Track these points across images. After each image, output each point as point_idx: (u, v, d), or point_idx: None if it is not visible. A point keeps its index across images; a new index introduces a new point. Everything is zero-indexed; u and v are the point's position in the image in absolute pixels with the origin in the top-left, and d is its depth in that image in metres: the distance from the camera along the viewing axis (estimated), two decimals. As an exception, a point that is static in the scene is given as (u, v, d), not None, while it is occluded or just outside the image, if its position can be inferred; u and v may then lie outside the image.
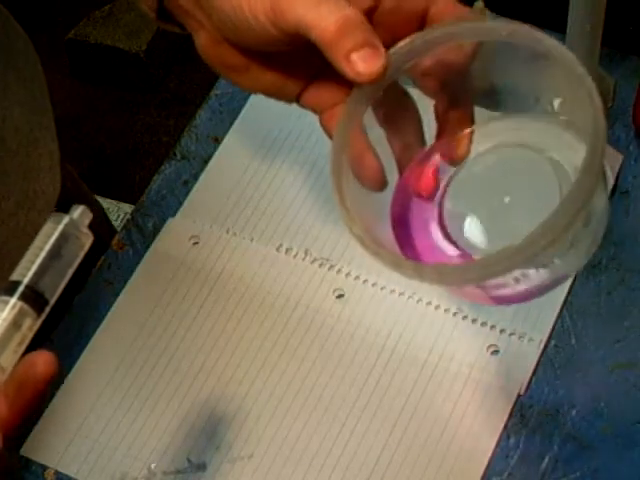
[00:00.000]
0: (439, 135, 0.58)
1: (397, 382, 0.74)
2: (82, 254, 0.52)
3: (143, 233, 0.83)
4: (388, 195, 0.57)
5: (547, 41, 0.52)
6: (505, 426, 0.72)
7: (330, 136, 0.56)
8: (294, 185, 0.84)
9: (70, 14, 2.09)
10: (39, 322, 0.52)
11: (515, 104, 0.56)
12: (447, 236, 0.56)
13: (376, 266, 0.80)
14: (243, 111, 0.88)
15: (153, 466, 0.73)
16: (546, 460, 0.71)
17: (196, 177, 0.85)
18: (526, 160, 0.55)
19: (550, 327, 0.75)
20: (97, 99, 2.06)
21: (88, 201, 1.01)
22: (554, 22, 0.84)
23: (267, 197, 0.84)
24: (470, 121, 0.57)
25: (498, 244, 0.51)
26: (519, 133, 0.57)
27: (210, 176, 0.85)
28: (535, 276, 0.54)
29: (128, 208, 1.79)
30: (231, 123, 0.88)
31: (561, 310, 0.76)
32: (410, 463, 0.72)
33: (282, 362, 0.76)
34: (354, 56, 0.52)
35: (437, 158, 0.58)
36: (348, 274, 0.79)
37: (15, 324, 0.51)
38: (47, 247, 0.51)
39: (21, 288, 0.51)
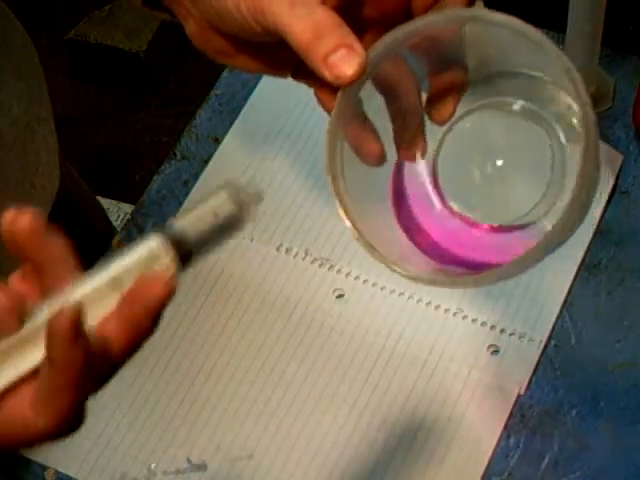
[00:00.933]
0: (430, 96, 0.57)
1: (397, 382, 0.74)
2: (241, 230, 0.50)
3: (143, 233, 0.83)
4: (388, 170, 0.57)
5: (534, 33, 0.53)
6: (505, 426, 0.72)
7: (324, 107, 0.56)
8: (294, 185, 0.84)
9: (70, 14, 2.08)
10: (176, 268, 0.49)
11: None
12: (442, 198, 0.57)
13: (376, 266, 0.80)
14: (243, 111, 0.88)
15: (153, 466, 0.73)
16: (546, 460, 0.71)
17: (196, 177, 0.85)
18: (517, 120, 0.56)
19: (550, 327, 0.75)
20: (97, 99, 2.06)
21: (88, 200, 1.01)
22: (554, 22, 0.84)
23: (267, 197, 0.83)
24: (462, 85, 0.57)
25: (493, 205, 0.53)
26: (507, 96, 0.57)
27: (210, 176, 0.85)
28: None
29: (128, 208, 1.79)
30: (231, 123, 0.88)
31: (561, 310, 0.76)
32: (410, 463, 0.72)
33: (282, 362, 0.76)
34: (331, 59, 0.51)
35: (426, 119, 0.58)
36: (348, 274, 0.79)
37: (152, 257, 0.49)
38: (215, 215, 0.49)
39: (172, 230, 0.49)
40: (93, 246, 0.88)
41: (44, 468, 0.74)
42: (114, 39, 2.03)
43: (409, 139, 0.57)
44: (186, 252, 0.49)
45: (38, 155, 0.76)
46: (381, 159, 0.56)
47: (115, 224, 1.53)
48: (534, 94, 0.56)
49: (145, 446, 0.74)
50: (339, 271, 0.79)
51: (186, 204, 0.84)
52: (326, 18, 0.51)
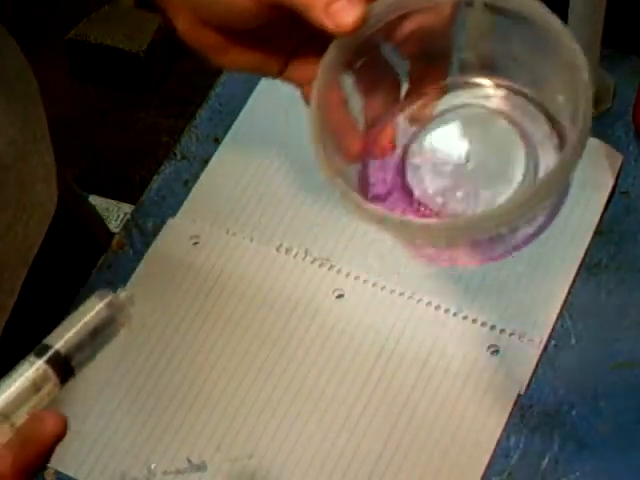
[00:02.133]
0: (409, 93, 0.58)
1: (397, 382, 0.74)
2: (116, 335, 0.53)
3: (143, 233, 0.83)
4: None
5: (546, 17, 0.53)
6: (505, 426, 0.72)
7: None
8: (294, 185, 0.84)
9: (70, 14, 2.08)
10: (58, 390, 0.52)
11: (493, 71, 0.57)
12: (409, 194, 0.56)
13: (376, 266, 0.80)
14: (243, 111, 0.88)
15: (153, 466, 0.73)
16: (546, 460, 0.71)
17: (196, 177, 0.85)
18: (494, 126, 0.56)
19: (550, 327, 0.75)
20: (97, 99, 2.06)
21: (81, 203, 1.01)
22: (554, 22, 0.84)
23: (267, 197, 0.84)
24: (443, 81, 0.57)
25: (460, 203, 0.53)
26: (488, 99, 0.57)
27: (210, 176, 0.85)
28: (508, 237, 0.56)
29: (128, 208, 1.79)
30: (231, 123, 0.88)
31: (561, 310, 0.76)
32: (410, 463, 0.72)
33: (282, 362, 0.76)
34: (332, 8, 0.52)
35: (400, 118, 0.58)
36: (348, 274, 0.79)
37: (35, 386, 0.51)
38: (86, 320, 0.53)
39: (51, 352, 0.52)
40: (91, 247, 0.88)
41: (44, 468, 0.74)
42: (114, 39, 2.03)
43: (381, 135, 0.57)
44: (68, 369, 0.52)
45: (36, 173, 0.76)
46: (358, 158, 0.56)
47: (115, 224, 1.54)
48: (527, 86, 0.56)
49: (145, 446, 0.74)
50: (339, 271, 0.79)
51: (186, 204, 0.84)
52: None
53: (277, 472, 0.72)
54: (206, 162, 0.86)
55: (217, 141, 0.87)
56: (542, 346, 0.75)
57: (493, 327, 0.76)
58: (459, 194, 0.55)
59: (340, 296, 0.78)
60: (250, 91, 0.88)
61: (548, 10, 0.52)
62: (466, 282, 0.77)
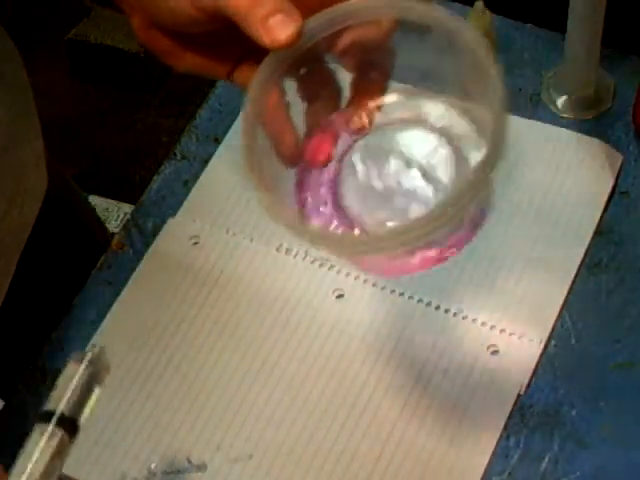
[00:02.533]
0: (348, 105, 0.58)
1: (397, 382, 0.74)
2: (101, 386, 0.57)
3: (143, 233, 0.83)
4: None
5: (463, 33, 0.53)
6: (505, 426, 0.72)
7: None
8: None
9: (70, 14, 2.08)
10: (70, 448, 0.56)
11: (429, 85, 0.58)
12: (337, 204, 0.57)
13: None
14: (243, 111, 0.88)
15: (153, 466, 0.73)
16: (546, 460, 0.71)
17: (196, 177, 0.85)
18: (423, 140, 0.57)
19: (550, 327, 0.75)
20: (97, 99, 2.06)
21: (79, 200, 1.01)
22: (554, 22, 0.84)
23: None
24: (382, 94, 0.58)
25: (389, 215, 0.55)
26: (423, 112, 0.58)
27: (210, 176, 0.85)
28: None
29: (128, 208, 1.79)
30: (231, 123, 0.88)
31: (561, 310, 0.76)
32: (410, 463, 0.72)
33: (282, 362, 0.76)
34: (269, 22, 0.53)
35: (338, 128, 0.58)
36: (348, 274, 0.79)
37: (53, 450, 0.55)
38: (75, 382, 0.56)
39: (57, 415, 0.56)
40: (91, 246, 0.88)
41: None
42: (114, 39, 2.03)
43: (320, 144, 0.58)
44: (74, 426, 0.57)
45: (28, 159, 0.76)
46: (296, 162, 0.57)
47: (115, 224, 1.54)
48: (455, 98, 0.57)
49: (145, 446, 0.74)
50: (339, 271, 0.79)
51: (186, 204, 0.84)
52: None
53: (277, 472, 0.72)
54: (206, 162, 0.86)
55: (217, 141, 0.87)
56: (542, 346, 0.75)
57: (493, 327, 0.76)
58: (388, 209, 0.56)
59: (340, 296, 0.78)
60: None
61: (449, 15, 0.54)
62: (466, 282, 0.78)
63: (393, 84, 0.58)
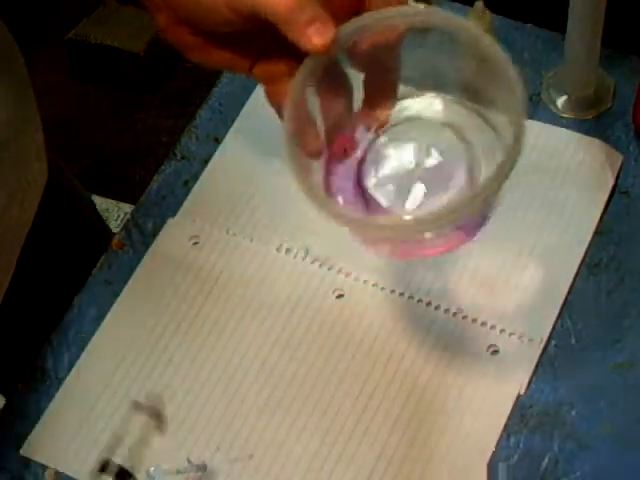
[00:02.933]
0: (364, 104, 0.63)
1: (397, 382, 0.74)
2: None
3: (143, 233, 0.83)
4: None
5: (481, 40, 0.58)
6: (505, 426, 0.72)
7: (272, 103, 0.63)
8: (294, 185, 0.84)
9: (70, 14, 2.08)
10: None
11: (442, 86, 0.64)
12: (364, 196, 0.62)
13: (376, 266, 0.80)
14: (243, 111, 0.88)
15: (153, 466, 0.73)
16: (546, 460, 0.71)
17: (196, 177, 0.85)
18: (441, 137, 0.63)
19: (550, 327, 0.76)
20: (97, 99, 2.06)
21: (80, 198, 1.01)
22: (554, 22, 0.84)
23: (267, 197, 0.84)
24: (395, 93, 0.63)
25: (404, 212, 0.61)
26: (439, 111, 0.64)
27: (210, 176, 0.85)
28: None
29: (128, 208, 1.79)
30: (231, 123, 0.88)
31: (561, 310, 0.76)
32: (410, 463, 0.72)
33: (282, 362, 0.76)
34: (309, 30, 0.57)
35: (358, 124, 0.63)
36: (348, 274, 0.79)
37: None
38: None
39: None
40: (92, 246, 0.88)
41: (44, 468, 0.74)
42: (114, 39, 2.03)
43: (340, 140, 0.63)
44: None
45: (29, 152, 0.77)
46: (319, 154, 0.62)
47: (115, 224, 1.54)
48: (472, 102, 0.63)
49: (145, 447, 0.74)
50: (339, 271, 0.79)
51: (186, 204, 0.84)
52: None
53: (277, 472, 0.72)
54: (206, 162, 0.86)
55: (217, 141, 0.87)
56: (542, 346, 0.75)
57: (493, 327, 0.76)
58: (409, 197, 0.62)
59: (340, 296, 0.78)
60: (250, 91, 0.88)
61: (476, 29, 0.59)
62: (466, 282, 0.78)
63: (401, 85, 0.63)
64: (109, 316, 0.80)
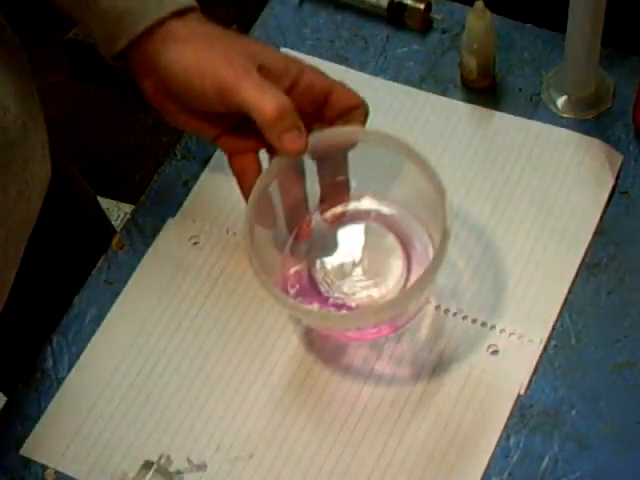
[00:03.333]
0: (321, 200, 0.75)
1: (397, 382, 0.74)
2: None
3: (143, 233, 0.83)
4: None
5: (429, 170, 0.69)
6: (505, 426, 0.72)
7: (234, 172, 0.73)
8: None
9: (70, 14, 2.08)
10: None
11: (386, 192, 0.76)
12: (313, 282, 0.74)
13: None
14: (243, 111, 0.88)
15: (153, 467, 0.73)
16: (546, 460, 0.71)
17: (196, 177, 0.85)
18: (381, 235, 0.75)
19: (550, 327, 0.76)
20: (97, 99, 2.06)
21: (85, 196, 1.01)
22: (554, 22, 0.84)
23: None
24: (346, 193, 0.75)
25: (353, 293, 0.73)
26: (384, 210, 0.76)
27: (210, 176, 0.85)
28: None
29: (128, 208, 1.79)
30: (231, 123, 0.87)
31: (561, 310, 0.76)
32: (410, 463, 0.72)
33: (282, 362, 0.76)
34: (286, 136, 0.67)
35: (316, 216, 0.76)
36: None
37: None
38: None
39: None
40: (93, 245, 0.88)
41: (44, 468, 0.74)
42: (114, 39, 2.03)
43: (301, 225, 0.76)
44: None
45: (35, 150, 0.77)
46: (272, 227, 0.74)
47: (115, 224, 1.54)
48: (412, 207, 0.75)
49: (145, 446, 0.74)
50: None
51: (186, 204, 0.84)
52: (288, 103, 0.66)
53: (277, 472, 0.72)
54: (206, 162, 0.86)
55: (217, 141, 0.87)
56: (542, 346, 0.75)
57: (493, 327, 0.76)
58: (351, 288, 0.74)
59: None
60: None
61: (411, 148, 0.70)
62: (466, 282, 0.78)
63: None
64: (109, 316, 0.80)
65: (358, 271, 0.74)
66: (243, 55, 0.67)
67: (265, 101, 0.65)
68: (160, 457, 0.73)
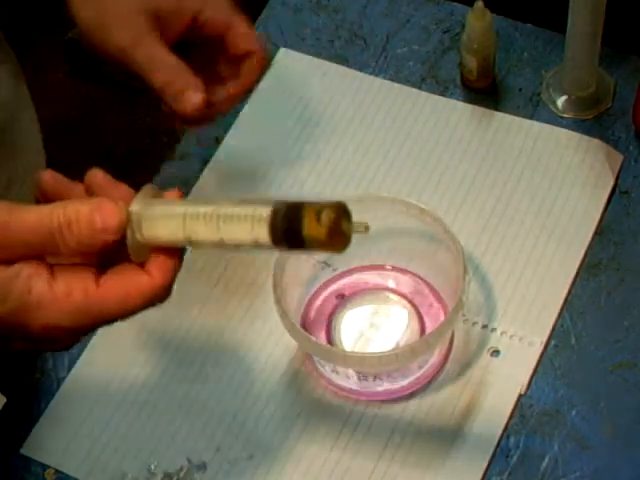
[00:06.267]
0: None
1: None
2: None
3: (143, 233, 0.83)
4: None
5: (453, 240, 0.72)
6: (505, 426, 0.72)
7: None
8: (293, 185, 0.84)
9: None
10: None
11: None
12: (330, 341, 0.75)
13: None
14: (243, 111, 0.88)
15: (153, 466, 0.73)
16: (546, 460, 0.71)
17: (196, 177, 0.85)
18: (390, 305, 0.77)
19: (550, 327, 0.75)
20: (97, 99, 2.06)
21: None
22: (554, 22, 0.84)
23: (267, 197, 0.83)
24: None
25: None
26: (395, 284, 0.78)
27: (210, 176, 0.85)
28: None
29: (128, 208, 1.79)
30: (231, 123, 0.88)
31: (561, 310, 0.76)
32: (411, 463, 0.72)
33: (282, 362, 0.76)
34: (179, 98, 0.69)
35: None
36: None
37: None
38: None
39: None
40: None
41: (44, 468, 0.74)
42: (114, 39, 2.03)
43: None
44: None
45: (26, 139, 0.78)
46: None
47: (115, 224, 1.54)
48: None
49: (145, 446, 0.74)
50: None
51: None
52: (175, 69, 0.68)
53: (277, 472, 0.72)
54: (206, 162, 0.86)
55: (217, 141, 0.87)
56: (542, 346, 0.75)
57: (494, 329, 0.76)
58: (366, 344, 0.75)
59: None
60: (250, 91, 0.88)
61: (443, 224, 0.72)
62: (466, 284, 0.77)
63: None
64: (109, 316, 0.79)
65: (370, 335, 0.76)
66: (134, 4, 0.69)
67: (154, 71, 0.69)
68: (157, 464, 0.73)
